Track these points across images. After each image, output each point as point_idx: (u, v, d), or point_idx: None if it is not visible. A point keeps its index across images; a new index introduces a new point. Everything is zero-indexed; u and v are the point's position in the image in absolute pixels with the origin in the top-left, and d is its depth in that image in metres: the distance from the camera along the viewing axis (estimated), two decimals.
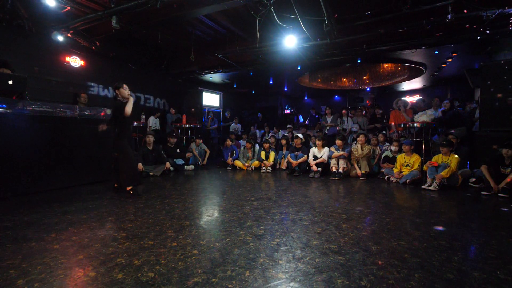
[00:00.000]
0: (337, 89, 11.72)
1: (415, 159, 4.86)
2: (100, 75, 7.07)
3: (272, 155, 6.46)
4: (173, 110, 8.48)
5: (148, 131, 6.89)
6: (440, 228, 2.56)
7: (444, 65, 8.04)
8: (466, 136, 5.59)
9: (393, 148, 5.40)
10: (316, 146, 5.99)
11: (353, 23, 5.47)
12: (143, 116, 7.44)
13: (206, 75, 9.01)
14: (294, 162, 5.83)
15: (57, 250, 2.02)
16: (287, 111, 14.81)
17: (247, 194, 3.88)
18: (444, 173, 4.29)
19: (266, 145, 6.60)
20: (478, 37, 5.31)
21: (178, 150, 6.32)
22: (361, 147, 5.54)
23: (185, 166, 6.33)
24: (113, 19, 4.76)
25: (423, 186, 4.39)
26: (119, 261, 1.85)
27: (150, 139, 5.67)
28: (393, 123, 6.59)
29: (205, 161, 7.02)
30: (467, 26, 5.25)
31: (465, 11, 4.58)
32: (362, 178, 5.35)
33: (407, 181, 4.70)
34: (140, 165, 5.29)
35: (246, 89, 12.55)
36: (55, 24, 5.52)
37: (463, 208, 3.41)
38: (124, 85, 3.73)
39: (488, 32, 5.12)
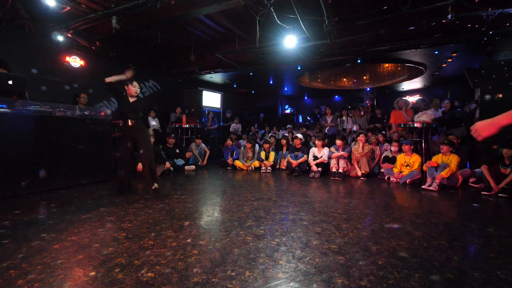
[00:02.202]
0: (337, 89, 11.73)
1: (415, 159, 4.86)
2: (100, 76, 7.05)
3: (272, 155, 6.47)
4: (179, 110, 8.43)
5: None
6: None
7: (444, 65, 8.05)
8: (466, 136, 5.59)
9: (392, 148, 5.40)
10: (316, 146, 5.99)
11: (353, 23, 5.47)
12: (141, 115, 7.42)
13: (206, 75, 9.02)
14: (294, 162, 5.83)
15: (57, 250, 2.02)
16: (287, 111, 14.82)
17: (247, 194, 3.88)
18: (444, 173, 4.29)
19: (266, 145, 6.60)
20: (478, 37, 5.32)
21: (177, 151, 6.32)
22: (362, 146, 5.55)
23: (185, 166, 6.34)
24: (113, 19, 4.75)
25: (423, 186, 4.39)
26: (119, 261, 1.85)
27: (150, 139, 5.66)
28: (393, 123, 6.59)
29: (205, 161, 7.02)
30: (467, 26, 5.25)
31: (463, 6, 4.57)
32: (362, 178, 5.35)
33: (407, 181, 4.70)
34: (140, 165, 5.30)
35: (246, 89, 12.55)
36: (55, 24, 5.52)
37: (463, 208, 3.41)
38: (134, 82, 3.66)
39: (488, 32, 5.12)
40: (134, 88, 3.64)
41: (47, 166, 3.95)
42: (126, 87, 3.66)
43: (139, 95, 3.75)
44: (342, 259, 1.89)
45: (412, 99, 12.07)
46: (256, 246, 2.10)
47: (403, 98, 7.02)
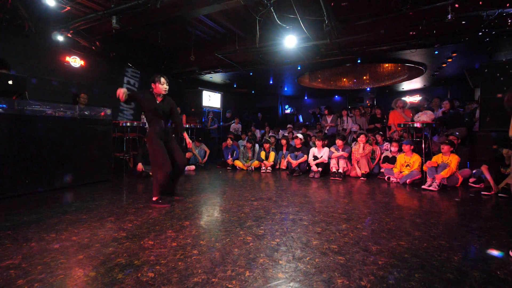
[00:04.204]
0: (337, 89, 11.73)
1: (415, 159, 4.86)
2: (100, 75, 7.07)
3: (272, 155, 6.47)
4: (179, 109, 8.41)
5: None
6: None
7: (444, 65, 8.04)
8: (466, 136, 5.59)
9: (392, 148, 5.40)
10: (316, 146, 5.99)
11: (353, 23, 5.47)
12: (143, 116, 7.44)
13: (206, 75, 9.02)
14: (294, 162, 5.83)
15: (57, 250, 2.02)
16: (287, 111, 14.82)
17: (247, 194, 3.88)
18: (444, 173, 4.29)
19: (266, 145, 6.60)
20: (478, 37, 5.31)
21: None
22: (363, 147, 5.55)
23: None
24: (113, 19, 4.76)
25: (423, 186, 4.39)
26: (119, 261, 1.85)
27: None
28: (393, 123, 6.59)
29: (205, 159, 7.03)
30: (467, 26, 5.25)
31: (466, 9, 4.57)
32: (362, 178, 5.35)
33: (407, 181, 4.70)
34: (140, 165, 5.32)
35: (246, 89, 12.55)
36: (55, 24, 5.52)
37: (463, 208, 3.41)
38: (162, 79, 3.14)
39: (488, 32, 5.12)
40: (162, 86, 3.15)
41: (47, 166, 3.96)
42: (152, 85, 3.16)
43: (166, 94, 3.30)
44: (342, 259, 1.89)
45: (413, 99, 12.09)
46: (256, 246, 2.10)
47: (402, 98, 7.02)
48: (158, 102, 3.21)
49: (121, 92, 2.90)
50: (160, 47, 7.63)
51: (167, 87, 3.21)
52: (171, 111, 3.33)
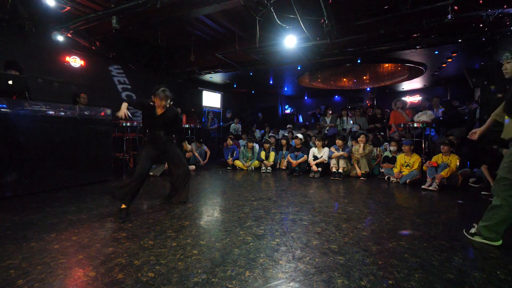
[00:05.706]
0: (337, 89, 11.73)
1: (415, 159, 4.86)
2: (100, 76, 7.07)
3: (272, 155, 6.47)
4: (179, 109, 8.40)
5: None
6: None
7: (444, 65, 8.03)
8: (466, 136, 5.58)
9: (391, 148, 5.40)
10: (316, 146, 5.99)
11: (353, 23, 5.47)
12: None
13: (206, 75, 9.01)
14: (294, 162, 5.83)
15: (57, 250, 2.02)
16: (287, 111, 14.81)
17: (247, 194, 3.88)
18: (444, 173, 4.29)
19: (266, 145, 6.60)
20: (478, 37, 5.31)
21: None
22: (363, 147, 5.55)
23: None
24: (113, 19, 4.75)
25: (423, 186, 4.39)
26: (119, 261, 1.85)
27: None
28: (393, 123, 6.60)
29: (206, 160, 7.03)
30: (467, 26, 5.25)
31: (467, 10, 4.57)
32: (362, 178, 5.35)
33: (407, 181, 4.70)
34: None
35: (246, 89, 12.55)
36: (55, 24, 5.52)
37: (463, 208, 3.41)
38: (161, 94, 2.97)
39: (488, 32, 5.12)
40: (161, 102, 2.98)
41: (47, 166, 3.96)
42: (152, 97, 3.01)
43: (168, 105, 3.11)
44: (342, 259, 1.89)
45: (413, 99, 12.09)
46: (256, 246, 2.10)
47: (402, 98, 7.03)
48: (158, 114, 3.05)
49: (123, 110, 2.84)
50: (160, 47, 7.63)
51: (165, 103, 2.99)
52: (172, 122, 3.16)
